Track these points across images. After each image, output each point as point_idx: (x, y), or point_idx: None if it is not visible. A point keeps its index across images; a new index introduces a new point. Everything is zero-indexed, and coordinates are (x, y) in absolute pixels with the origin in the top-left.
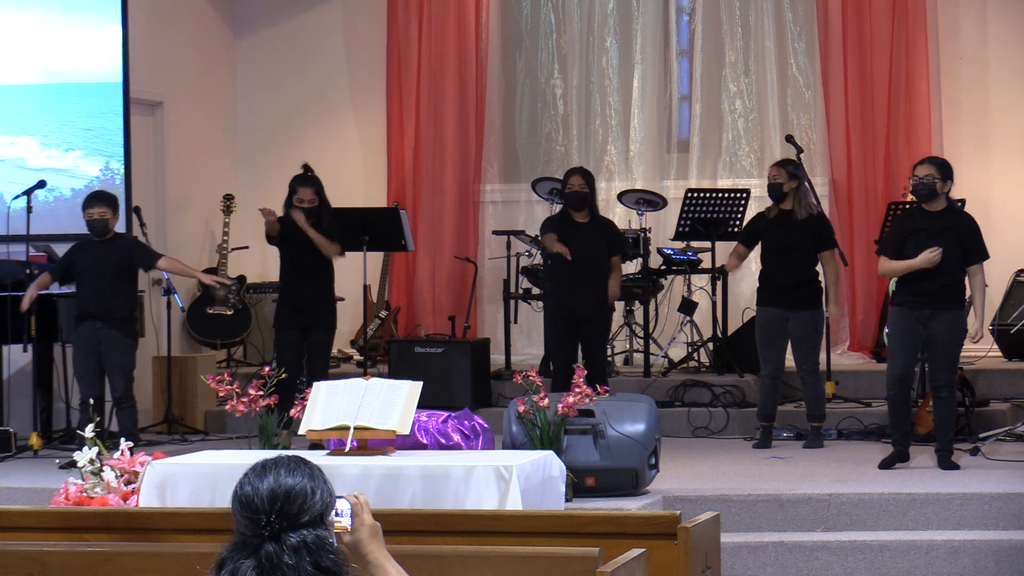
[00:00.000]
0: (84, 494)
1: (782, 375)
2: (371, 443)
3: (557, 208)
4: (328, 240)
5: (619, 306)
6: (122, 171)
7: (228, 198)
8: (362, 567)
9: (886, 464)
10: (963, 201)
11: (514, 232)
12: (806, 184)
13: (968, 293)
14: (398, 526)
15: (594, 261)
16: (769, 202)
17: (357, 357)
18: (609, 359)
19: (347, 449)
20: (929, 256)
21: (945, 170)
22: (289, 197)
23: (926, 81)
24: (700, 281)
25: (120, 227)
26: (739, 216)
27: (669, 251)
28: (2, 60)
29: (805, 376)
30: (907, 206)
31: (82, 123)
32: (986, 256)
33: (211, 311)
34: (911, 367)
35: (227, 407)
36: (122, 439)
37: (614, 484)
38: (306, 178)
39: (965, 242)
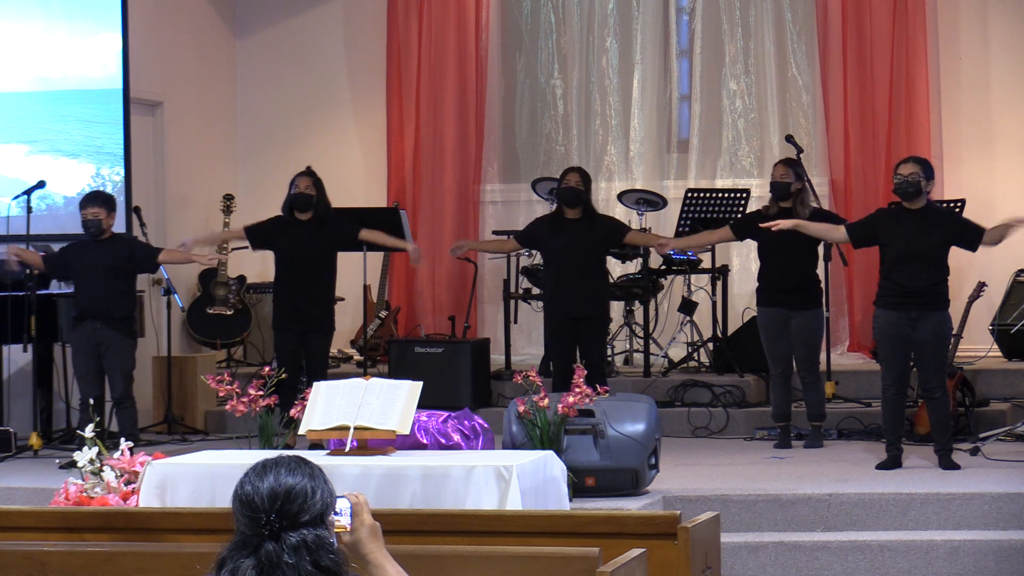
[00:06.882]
0: (84, 494)
1: (792, 372)
2: (371, 443)
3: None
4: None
5: (619, 306)
6: (120, 173)
7: (228, 198)
8: (362, 567)
9: (882, 467)
10: (963, 201)
11: (514, 232)
12: (807, 185)
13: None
14: (398, 526)
15: (584, 258)
16: (767, 200)
17: (357, 357)
18: (609, 359)
19: (347, 449)
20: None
21: (928, 169)
22: (288, 194)
23: (926, 81)
24: (700, 281)
25: (120, 227)
26: (739, 216)
27: (669, 251)
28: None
29: (805, 376)
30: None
31: (81, 127)
32: (982, 230)
33: (211, 311)
34: (905, 372)
35: (227, 407)
36: (122, 439)
37: (614, 484)
38: (306, 171)
39: (955, 233)
